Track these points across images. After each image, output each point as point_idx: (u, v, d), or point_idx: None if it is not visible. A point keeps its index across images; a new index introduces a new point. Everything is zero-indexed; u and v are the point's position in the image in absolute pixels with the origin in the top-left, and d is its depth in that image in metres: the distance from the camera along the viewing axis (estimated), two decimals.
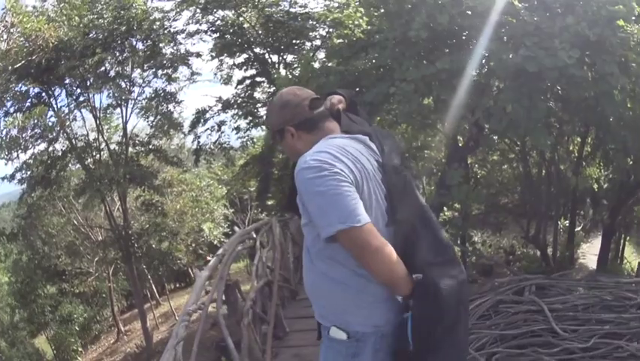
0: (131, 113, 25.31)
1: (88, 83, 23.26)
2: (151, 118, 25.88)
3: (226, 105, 27.48)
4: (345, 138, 2.86)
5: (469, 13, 11.62)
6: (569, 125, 14.94)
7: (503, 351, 6.28)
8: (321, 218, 2.63)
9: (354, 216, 2.53)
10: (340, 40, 15.62)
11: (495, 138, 14.62)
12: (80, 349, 31.55)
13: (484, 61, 12.28)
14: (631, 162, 14.43)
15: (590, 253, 23.08)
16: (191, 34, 25.41)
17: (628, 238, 23.17)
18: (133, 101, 25.25)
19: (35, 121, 22.39)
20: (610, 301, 6.81)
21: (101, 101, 25.10)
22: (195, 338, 5.89)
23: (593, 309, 6.78)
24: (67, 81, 23.34)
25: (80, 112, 24.81)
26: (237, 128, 28.96)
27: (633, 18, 10.53)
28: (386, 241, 2.60)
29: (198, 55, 25.82)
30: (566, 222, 21.85)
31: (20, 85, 21.84)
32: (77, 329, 31.71)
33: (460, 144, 15.88)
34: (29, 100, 22.60)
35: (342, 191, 2.56)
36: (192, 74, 26.47)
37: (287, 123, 2.96)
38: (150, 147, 26.31)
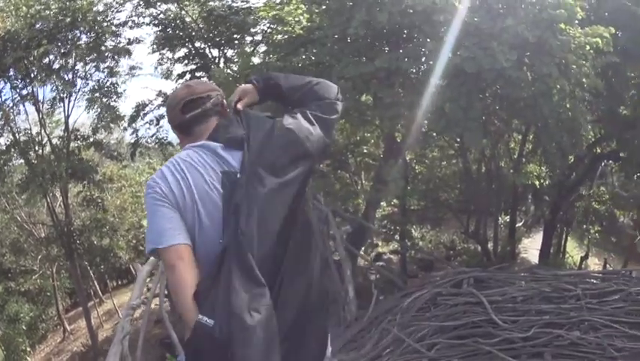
0: (74, 106, 24.92)
1: (32, 76, 22.84)
2: (93, 111, 25.54)
3: (166, 99, 27.17)
4: (191, 147, 2.72)
5: (410, 11, 11.67)
6: (507, 124, 15.10)
7: (444, 342, 6.31)
8: (146, 235, 2.66)
9: (160, 238, 2.51)
10: (280, 37, 15.58)
11: (434, 134, 14.72)
12: (28, 349, 30.85)
13: (423, 60, 12.33)
14: (571, 161, 14.70)
15: (531, 247, 23.42)
16: (132, 27, 25.17)
17: (570, 232, 23.48)
18: (76, 95, 24.83)
19: None
20: (549, 293, 6.91)
21: (44, 95, 24.71)
22: (140, 333, 5.85)
23: (532, 300, 6.88)
24: (11, 74, 22.85)
25: (24, 106, 24.35)
26: None
27: (576, 22, 10.73)
28: (189, 266, 2.48)
29: (139, 41, 25.55)
30: (507, 218, 22.12)
31: None
32: (24, 328, 30.92)
33: (398, 140, 15.94)
34: None
35: (156, 211, 2.57)
36: (132, 68, 26.45)
37: (170, 123, 2.91)
38: (91, 140, 25.80)
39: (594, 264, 22.87)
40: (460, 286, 7.73)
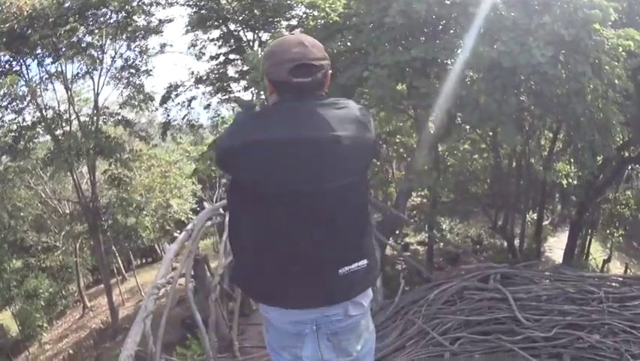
0: (103, 84, 24.97)
1: (60, 53, 22.86)
2: (122, 88, 25.76)
3: (198, 81, 27.21)
4: None
5: (447, 2, 11.63)
6: (540, 120, 15.01)
7: (467, 337, 6.28)
8: None
9: None
10: (314, 23, 15.55)
11: (467, 127, 14.68)
12: (45, 324, 30.96)
13: (459, 51, 12.27)
14: (600, 162, 14.59)
15: (556, 247, 23.32)
16: (164, 7, 25.12)
17: (595, 234, 23.35)
18: (106, 71, 24.90)
19: (5, 90, 22.03)
20: (573, 294, 6.85)
21: (72, 72, 24.65)
22: (164, 313, 5.83)
23: (556, 300, 6.82)
24: (38, 51, 22.88)
25: (52, 83, 24.32)
26: (208, 106, 28.80)
27: (609, 23, 10.66)
28: None
29: (170, 20, 25.53)
30: (534, 215, 22.03)
31: None
32: (43, 304, 30.93)
33: (432, 131, 15.91)
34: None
35: None
36: (163, 45, 26.36)
37: (265, 74, 2.71)
38: (119, 117, 25.94)
39: (615, 268, 22.73)
40: (486, 281, 7.69)
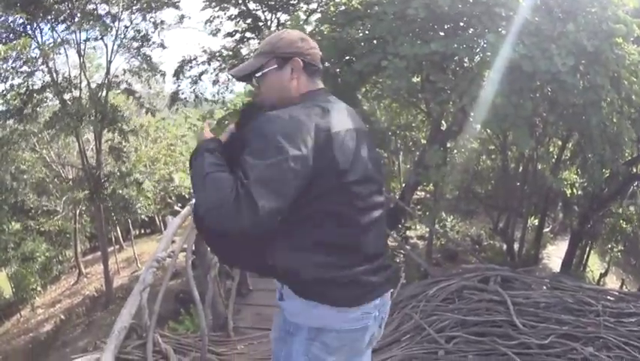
0: (115, 53, 25.00)
1: (74, 19, 22.82)
2: (131, 58, 25.85)
3: (211, 57, 27.19)
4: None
5: (472, 0, 11.58)
6: (552, 127, 14.99)
7: (463, 336, 6.26)
8: None
9: None
10: (334, 8, 15.56)
11: (478, 127, 14.68)
12: (39, 288, 31.42)
13: (478, 50, 12.25)
14: (607, 175, 14.57)
15: (554, 255, 23.36)
16: None
17: (594, 247, 23.36)
18: (119, 40, 24.93)
19: (18, 52, 21.98)
20: (571, 304, 6.81)
21: (87, 37, 24.60)
22: (162, 286, 5.83)
23: (554, 309, 6.78)
24: (52, 16, 22.88)
25: (64, 48, 24.36)
26: (216, 82, 28.83)
27: (632, 39, 10.67)
28: None
29: None
30: (535, 221, 22.04)
31: (7, 15, 21.42)
32: (38, 268, 31.40)
33: (443, 128, 15.91)
34: (13, 32, 22.19)
35: None
36: (182, 17, 26.37)
37: (298, 55, 2.71)
38: (126, 86, 25.93)
39: (612, 282, 22.83)
40: (486, 283, 7.65)
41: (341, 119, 2.56)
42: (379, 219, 2.73)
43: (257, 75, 2.76)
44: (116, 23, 24.40)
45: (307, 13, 23.82)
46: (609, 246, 22.50)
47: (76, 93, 24.37)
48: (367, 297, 2.67)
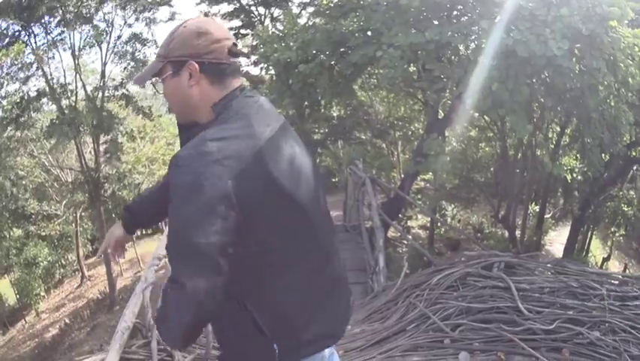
0: (109, 57, 24.91)
1: (67, 22, 22.71)
2: (124, 64, 25.59)
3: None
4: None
5: None
6: (550, 112, 15.00)
7: (468, 324, 6.23)
8: None
9: None
10: (329, 0, 15.58)
11: (476, 114, 14.69)
12: (42, 293, 31.11)
13: (473, 37, 12.26)
14: (606, 159, 14.58)
15: (556, 241, 23.38)
16: None
17: (596, 231, 23.36)
18: (113, 44, 24.82)
19: (12, 58, 21.95)
20: (575, 288, 6.77)
21: (80, 40, 24.43)
22: (162, 285, 5.77)
23: (559, 294, 6.73)
24: (46, 19, 22.73)
25: (58, 51, 24.16)
26: None
27: (626, 22, 10.67)
28: None
29: None
30: (536, 208, 22.04)
31: (0, 21, 21.33)
32: (41, 272, 31.07)
33: (440, 117, 15.93)
34: (7, 38, 22.08)
35: None
36: (174, 13, 26.22)
37: (194, 56, 2.16)
38: (123, 91, 25.81)
39: (614, 267, 22.83)
40: (490, 269, 7.63)
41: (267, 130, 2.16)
42: (333, 240, 2.48)
43: (152, 83, 2.36)
44: (110, 28, 24.38)
45: (301, 6, 23.85)
46: (611, 230, 22.50)
47: (72, 99, 24.20)
48: (332, 338, 2.42)
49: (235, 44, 2.26)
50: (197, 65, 2.15)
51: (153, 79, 2.32)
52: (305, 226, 2.26)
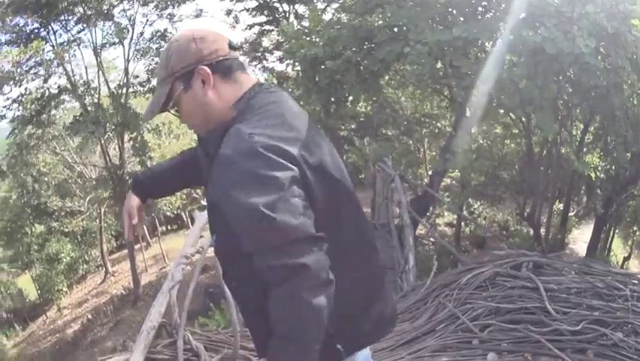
0: (132, 54, 25.04)
1: (88, 19, 22.81)
2: (148, 60, 25.69)
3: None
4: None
5: None
6: (575, 110, 14.93)
7: (497, 324, 6.20)
8: None
9: None
10: None
11: (501, 111, 14.65)
12: (64, 289, 31.45)
13: (500, 34, 12.24)
14: (629, 157, 14.49)
15: (580, 239, 23.32)
16: None
17: (617, 230, 23.19)
18: (136, 41, 24.99)
19: (31, 55, 22.03)
20: (601, 289, 6.71)
21: (102, 38, 24.60)
22: (191, 282, 5.75)
23: (585, 294, 6.68)
24: (65, 17, 22.81)
25: (79, 48, 24.41)
26: None
27: None
28: None
29: None
30: (560, 206, 21.92)
31: (18, 18, 21.45)
32: (63, 268, 31.46)
33: (468, 114, 15.91)
34: (25, 35, 22.14)
35: None
36: (200, 10, 26.23)
37: (200, 61, 2.12)
38: (149, 86, 25.76)
39: (634, 266, 22.68)
40: (519, 269, 7.59)
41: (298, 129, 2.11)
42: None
43: (169, 108, 2.22)
44: (133, 25, 24.45)
45: (325, 2, 23.81)
46: (632, 229, 22.34)
47: (95, 97, 24.34)
48: (382, 330, 2.53)
49: (231, 41, 2.27)
50: (207, 69, 2.12)
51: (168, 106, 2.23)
52: (354, 213, 2.29)
